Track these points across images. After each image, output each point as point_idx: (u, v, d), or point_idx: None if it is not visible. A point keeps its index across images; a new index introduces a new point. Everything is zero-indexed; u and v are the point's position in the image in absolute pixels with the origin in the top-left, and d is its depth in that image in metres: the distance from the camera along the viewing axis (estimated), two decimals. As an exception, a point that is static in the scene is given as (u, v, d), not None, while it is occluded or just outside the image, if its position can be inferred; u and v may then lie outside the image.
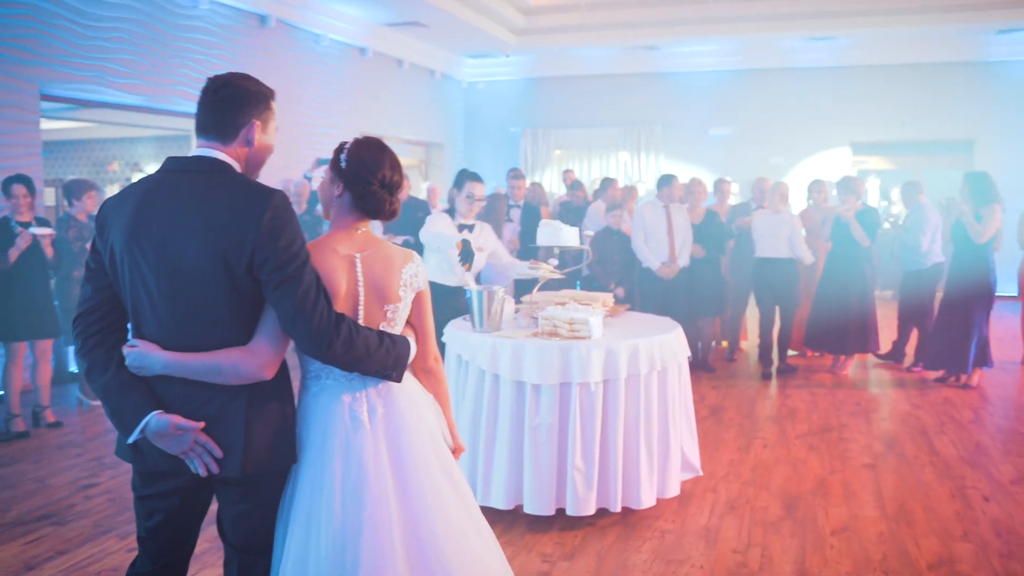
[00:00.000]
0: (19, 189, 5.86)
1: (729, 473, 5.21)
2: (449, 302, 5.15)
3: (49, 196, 8.95)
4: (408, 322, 2.51)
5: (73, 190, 6.57)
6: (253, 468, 2.19)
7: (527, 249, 7.64)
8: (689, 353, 4.81)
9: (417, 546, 2.27)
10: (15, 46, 7.06)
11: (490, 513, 4.38)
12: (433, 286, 5.05)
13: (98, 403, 6.80)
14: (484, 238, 5.12)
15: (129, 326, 2.26)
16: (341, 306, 2.33)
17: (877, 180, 14.15)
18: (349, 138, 2.47)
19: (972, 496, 4.79)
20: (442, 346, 4.82)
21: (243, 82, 2.26)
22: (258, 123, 2.27)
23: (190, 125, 9.30)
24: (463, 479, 2.49)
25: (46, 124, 8.10)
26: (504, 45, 13.58)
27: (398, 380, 2.35)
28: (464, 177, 4.92)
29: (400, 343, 2.36)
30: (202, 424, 2.14)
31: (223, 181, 2.18)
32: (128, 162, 12.25)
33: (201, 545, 3.78)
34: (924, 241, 7.88)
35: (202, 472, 2.15)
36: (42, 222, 6.05)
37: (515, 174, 8.55)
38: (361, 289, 2.37)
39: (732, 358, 8.66)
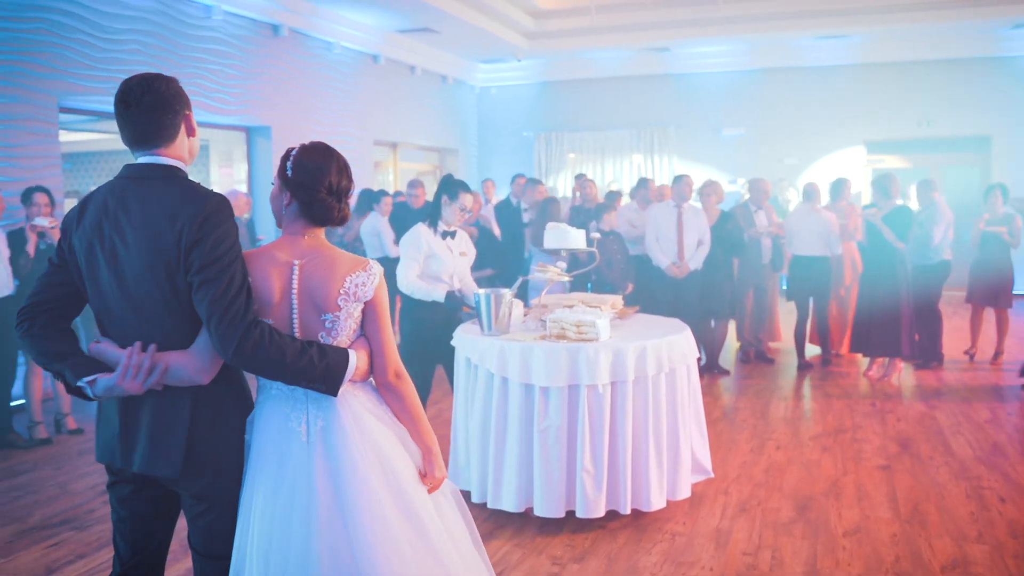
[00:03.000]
0: (41, 197, 5.96)
1: (741, 475, 5.21)
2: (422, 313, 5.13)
3: (69, 207, 9.07)
4: (364, 335, 2.41)
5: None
6: (193, 470, 2.23)
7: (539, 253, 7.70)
8: (698, 354, 4.80)
9: (343, 562, 2.21)
10: (33, 60, 7.18)
11: (501, 516, 4.43)
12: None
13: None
14: (466, 244, 5.16)
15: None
16: (274, 314, 2.29)
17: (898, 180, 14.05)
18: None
19: (988, 497, 4.77)
20: (452, 349, 4.86)
21: (156, 83, 2.25)
22: (190, 112, 2.33)
23: (205, 135, 9.38)
24: (421, 501, 2.35)
25: (65, 136, 8.21)
26: (516, 49, 13.62)
27: (331, 393, 2.25)
28: (457, 187, 4.92)
29: (332, 354, 2.25)
30: (151, 349, 2.19)
31: (165, 187, 2.23)
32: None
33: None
34: (937, 233, 7.85)
35: (121, 379, 2.15)
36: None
37: (531, 181, 8.62)
38: (294, 297, 2.30)
39: (746, 360, 8.63)
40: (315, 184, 2.33)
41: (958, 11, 11.89)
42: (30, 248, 5.88)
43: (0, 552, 4.23)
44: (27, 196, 5.97)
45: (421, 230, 4.97)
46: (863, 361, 8.24)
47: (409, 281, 4.93)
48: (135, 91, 2.22)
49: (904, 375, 7.85)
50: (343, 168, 2.38)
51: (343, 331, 2.34)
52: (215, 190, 2.31)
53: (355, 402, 2.34)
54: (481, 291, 4.61)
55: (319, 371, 2.21)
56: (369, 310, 2.38)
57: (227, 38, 9.43)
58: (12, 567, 4.05)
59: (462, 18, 11.29)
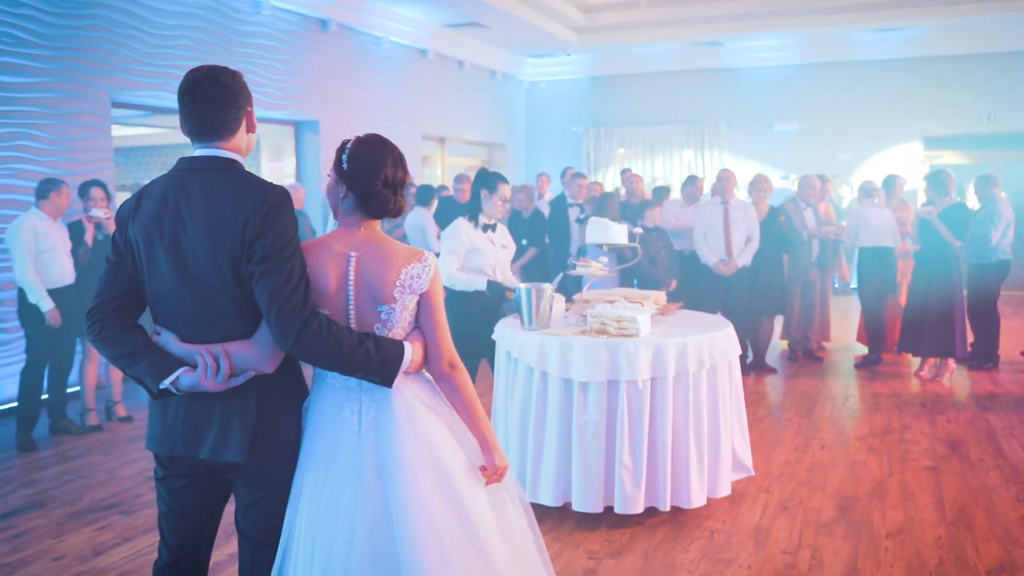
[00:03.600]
0: (97, 192, 6.12)
1: (784, 473, 5.14)
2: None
3: (122, 200, 9.29)
4: (419, 327, 2.42)
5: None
6: (257, 457, 2.26)
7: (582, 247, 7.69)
8: (741, 351, 4.74)
9: (385, 552, 2.22)
10: (87, 56, 7.35)
11: (539, 510, 4.40)
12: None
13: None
14: (507, 237, 5.17)
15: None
16: (330, 305, 2.31)
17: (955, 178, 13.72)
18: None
19: (1039, 500, 4.64)
20: (492, 344, 4.87)
21: (223, 76, 2.28)
22: (252, 108, 2.35)
23: (260, 129, 9.53)
24: (470, 495, 2.33)
25: (117, 131, 8.40)
26: (565, 44, 13.57)
27: (386, 385, 2.27)
28: (495, 179, 4.95)
29: (388, 346, 2.27)
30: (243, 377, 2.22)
31: (227, 178, 2.25)
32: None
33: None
34: (994, 235, 7.64)
35: (203, 379, 2.18)
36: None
37: (576, 173, 8.59)
38: (351, 289, 2.32)
39: (794, 358, 8.50)
40: (371, 177, 2.34)
41: (1020, 1, 11.54)
42: (88, 238, 6.06)
43: (51, 533, 4.36)
44: (84, 190, 6.13)
45: (462, 224, 5.00)
46: (915, 361, 8.05)
47: (449, 273, 4.96)
48: (202, 83, 2.25)
49: (957, 376, 7.66)
50: (398, 160, 2.39)
51: (398, 323, 2.35)
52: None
53: (408, 393, 2.35)
54: (522, 285, 4.61)
55: (375, 363, 2.23)
56: (424, 301, 2.38)
57: (276, 33, 9.55)
58: (62, 547, 4.17)
59: (511, 12, 11.29)
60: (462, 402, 2.42)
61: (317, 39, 10.22)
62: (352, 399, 2.33)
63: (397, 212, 2.42)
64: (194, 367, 2.20)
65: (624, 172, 10.37)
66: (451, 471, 2.32)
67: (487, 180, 4.96)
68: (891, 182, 8.41)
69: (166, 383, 2.20)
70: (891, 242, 8.03)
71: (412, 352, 2.32)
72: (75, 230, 6.09)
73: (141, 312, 2.36)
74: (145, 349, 2.25)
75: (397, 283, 2.31)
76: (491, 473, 2.41)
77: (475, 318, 5.04)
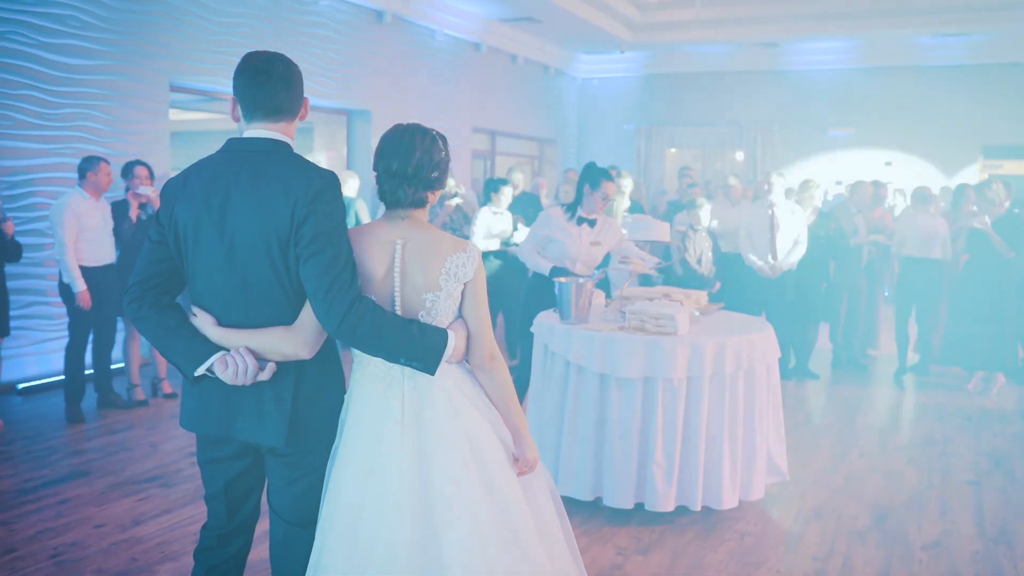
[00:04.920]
0: (141, 171, 6.22)
1: (819, 480, 5.08)
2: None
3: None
4: (461, 316, 2.43)
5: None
6: (295, 440, 2.29)
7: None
8: (779, 354, 4.70)
9: (426, 543, 2.24)
10: (148, 40, 7.52)
11: (570, 503, 4.42)
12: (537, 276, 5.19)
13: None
14: (605, 233, 5.17)
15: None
16: (376, 291, 2.32)
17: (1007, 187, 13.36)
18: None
19: (1083, 520, 4.52)
20: (531, 336, 4.89)
21: (285, 62, 2.31)
22: (307, 98, 2.38)
23: (313, 117, 9.57)
24: (508, 486, 2.37)
25: (175, 115, 8.58)
26: (619, 41, 13.51)
27: (429, 372, 2.28)
28: (600, 175, 4.97)
29: (432, 334, 2.28)
30: (269, 368, 2.25)
31: (278, 160, 2.26)
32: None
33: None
34: None
35: (233, 379, 2.21)
36: None
37: (616, 173, 8.54)
38: (396, 275, 2.33)
39: (838, 365, 8.37)
40: (376, 166, 2.38)
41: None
42: (132, 214, 6.17)
43: (94, 501, 4.49)
44: (127, 170, 6.23)
45: (552, 212, 5.10)
46: (964, 374, 7.88)
47: (522, 250, 5.19)
48: (276, 64, 2.28)
49: (1006, 390, 7.48)
50: (407, 153, 2.35)
51: (443, 311, 2.36)
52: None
53: (450, 383, 2.37)
54: (562, 280, 4.62)
55: (419, 348, 2.24)
56: (468, 291, 2.39)
57: (332, 23, 9.67)
58: (104, 515, 4.30)
59: (566, 8, 11.27)
60: (499, 394, 2.44)
61: (372, 30, 10.32)
62: (395, 387, 2.35)
63: (413, 203, 2.38)
64: (227, 354, 2.23)
65: (684, 170, 10.29)
66: (491, 463, 2.35)
67: (590, 175, 4.99)
68: (961, 193, 8.19)
69: (200, 371, 2.23)
70: (938, 254, 7.70)
71: (455, 340, 2.33)
72: (119, 209, 6.20)
73: (180, 291, 2.37)
74: (181, 332, 2.26)
75: (443, 271, 2.33)
76: (524, 464, 2.45)
77: (502, 281, 5.14)
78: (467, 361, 2.45)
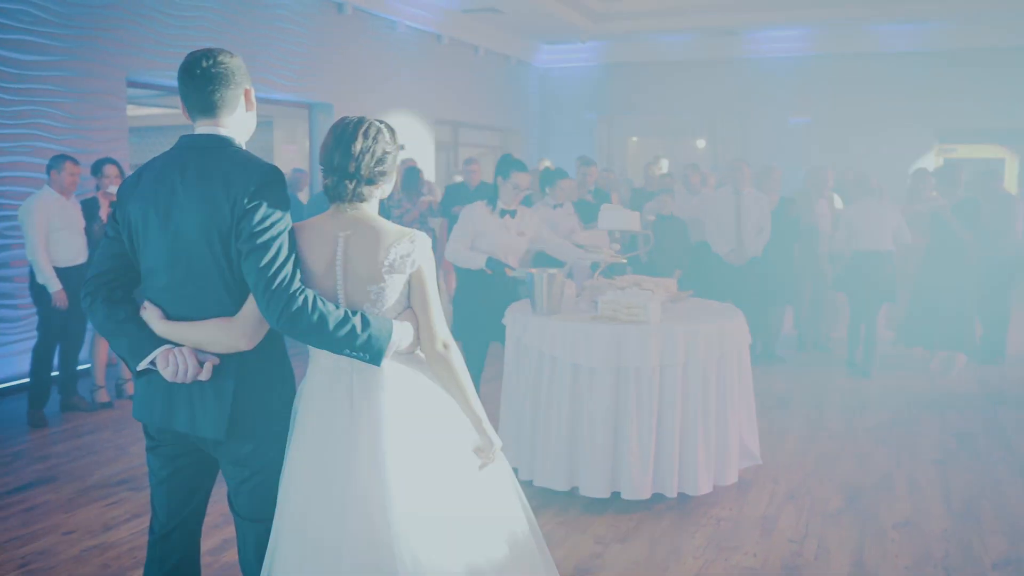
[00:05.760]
0: (111, 169, 6.13)
1: (791, 463, 5.14)
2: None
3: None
4: (411, 307, 2.40)
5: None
6: (238, 434, 2.29)
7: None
8: (751, 340, 4.74)
9: (377, 537, 2.23)
10: (103, 35, 7.37)
11: (546, 493, 4.45)
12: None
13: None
14: (527, 223, 5.15)
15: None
16: (320, 284, 2.31)
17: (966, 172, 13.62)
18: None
19: (1047, 495, 4.63)
20: (467, 334, 4.91)
21: (221, 55, 2.32)
22: (250, 88, 2.38)
23: (269, 111, 9.52)
24: (465, 476, 2.37)
25: (133, 110, 8.42)
26: (580, 31, 13.52)
27: (374, 363, 2.26)
28: (511, 167, 4.94)
29: (376, 324, 2.26)
30: (208, 368, 2.25)
31: (220, 156, 2.29)
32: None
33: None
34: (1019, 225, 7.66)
35: (173, 378, 2.23)
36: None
37: (584, 161, 8.54)
38: (339, 269, 2.31)
39: (804, 349, 8.48)
40: (320, 159, 2.36)
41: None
42: (103, 214, 6.07)
43: (63, 507, 4.41)
44: (97, 168, 6.14)
45: (476, 207, 5.02)
46: (926, 355, 8.01)
47: (452, 249, 5.02)
48: (200, 62, 2.29)
49: (966, 370, 7.62)
50: (347, 145, 2.31)
51: (388, 302, 2.33)
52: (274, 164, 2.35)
53: (400, 374, 2.35)
54: (534, 271, 4.62)
55: (361, 340, 2.23)
56: (415, 281, 2.36)
57: (292, 15, 9.55)
58: (73, 522, 4.22)
59: (526, -2, 11.25)
60: (455, 383, 2.41)
61: (333, 22, 10.21)
62: (343, 380, 2.33)
63: (355, 198, 2.34)
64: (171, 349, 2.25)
65: (654, 160, 10.34)
66: (447, 454, 2.35)
67: (502, 167, 4.97)
68: (920, 178, 8.28)
69: (142, 365, 2.26)
70: (889, 244, 7.29)
71: (402, 331, 2.32)
72: (89, 207, 6.11)
73: (134, 286, 2.39)
74: (126, 327, 2.29)
75: (385, 262, 2.30)
76: (486, 454, 2.44)
77: (486, 301, 5.05)
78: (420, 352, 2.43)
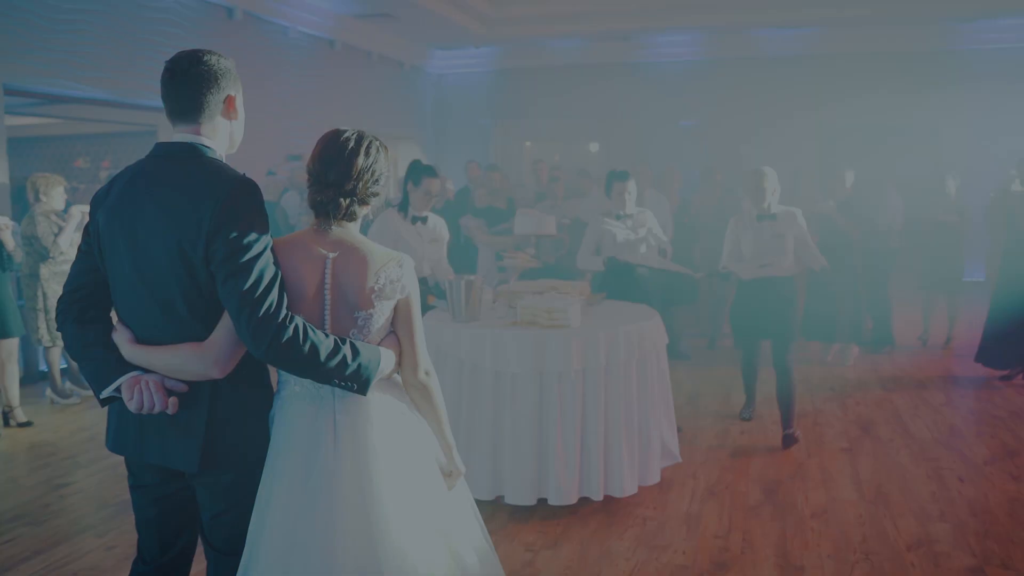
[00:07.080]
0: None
1: (708, 459, 5.24)
2: None
3: (13, 195, 8.77)
4: (394, 332, 2.32)
5: (40, 185, 6.48)
6: (213, 465, 2.13)
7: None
8: (667, 340, 4.82)
9: (366, 559, 2.14)
10: (-24, 40, 6.92)
11: (472, 504, 4.38)
12: None
13: (71, 401, 6.71)
14: (439, 231, 5.11)
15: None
16: (306, 309, 2.17)
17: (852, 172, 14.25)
18: (316, 132, 2.33)
19: (947, 477, 4.86)
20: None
21: (207, 56, 2.18)
22: (235, 95, 2.23)
23: (157, 119, 9.09)
24: (446, 501, 2.35)
25: (11, 120, 7.94)
26: (473, 36, 13.51)
27: (361, 393, 2.15)
28: (421, 172, 4.88)
29: (365, 353, 2.15)
30: (174, 402, 2.09)
31: (193, 168, 2.11)
32: (95, 158, 12.08)
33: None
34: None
35: (138, 409, 2.07)
36: None
37: (490, 167, 8.56)
38: (327, 293, 2.19)
39: (710, 346, 8.69)
40: (310, 171, 2.24)
41: (909, 5, 12.08)
42: None
43: (-48, 549, 4.09)
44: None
45: (390, 216, 4.93)
46: (823, 348, 8.31)
47: None
48: (183, 62, 2.14)
49: (860, 359, 7.96)
50: (346, 162, 2.22)
51: (374, 328, 2.24)
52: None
53: (382, 402, 2.26)
54: (451, 278, 4.56)
55: (351, 370, 2.11)
56: (402, 307, 2.28)
57: (179, 20, 9.18)
58: (-35, 564, 3.92)
59: (420, 3, 11.14)
60: (433, 410, 2.38)
61: (222, 27, 9.87)
62: (325, 408, 2.20)
63: (347, 216, 2.24)
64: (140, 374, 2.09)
65: (538, 164, 10.38)
66: (426, 477, 2.31)
67: (413, 173, 4.89)
68: (801, 179, 8.61)
69: (105, 394, 2.10)
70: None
71: (387, 359, 2.23)
72: None
73: (109, 304, 2.21)
74: (93, 351, 2.12)
75: (376, 288, 2.20)
76: (452, 478, 2.42)
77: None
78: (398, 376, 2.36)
